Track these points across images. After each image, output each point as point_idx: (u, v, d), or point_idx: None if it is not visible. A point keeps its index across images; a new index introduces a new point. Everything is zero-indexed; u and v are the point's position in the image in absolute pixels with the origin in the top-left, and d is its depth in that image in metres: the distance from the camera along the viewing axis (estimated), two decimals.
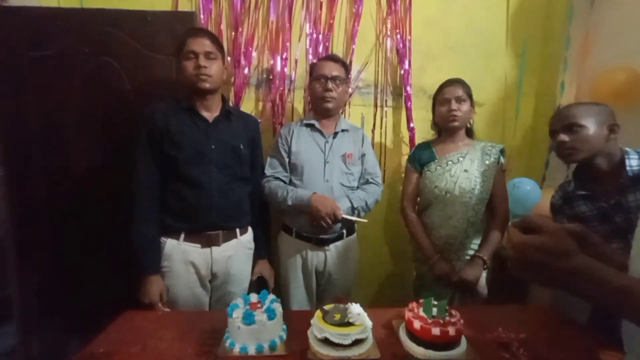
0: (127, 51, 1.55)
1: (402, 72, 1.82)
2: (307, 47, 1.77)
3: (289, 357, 0.86)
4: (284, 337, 0.93)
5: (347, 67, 1.49)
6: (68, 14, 1.55)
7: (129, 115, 1.53)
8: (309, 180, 1.41)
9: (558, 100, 1.88)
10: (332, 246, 1.43)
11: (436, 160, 1.44)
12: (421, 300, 0.95)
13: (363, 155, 1.50)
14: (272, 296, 0.99)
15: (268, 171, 1.46)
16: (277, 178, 1.45)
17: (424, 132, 1.82)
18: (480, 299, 1.38)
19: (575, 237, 0.51)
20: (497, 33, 1.89)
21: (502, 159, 1.43)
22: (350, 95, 1.81)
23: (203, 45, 1.23)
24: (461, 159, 1.41)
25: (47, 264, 1.61)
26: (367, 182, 1.49)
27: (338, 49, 1.79)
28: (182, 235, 1.26)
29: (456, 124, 1.39)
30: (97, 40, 1.54)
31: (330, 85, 1.40)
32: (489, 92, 1.91)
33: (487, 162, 1.40)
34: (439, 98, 1.43)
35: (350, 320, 0.87)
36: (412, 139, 1.86)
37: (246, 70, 1.75)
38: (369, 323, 0.90)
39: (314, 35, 1.76)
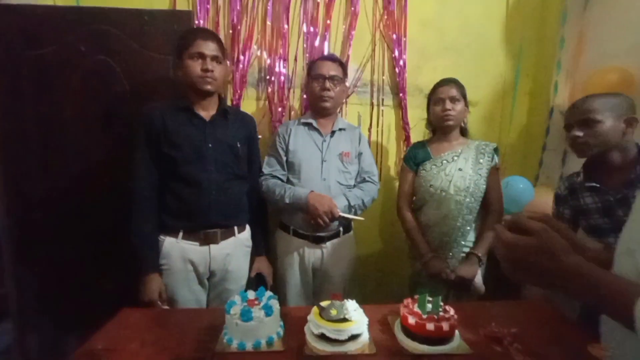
0: (124, 50, 1.55)
1: (397, 71, 1.83)
2: (305, 46, 1.78)
3: (286, 353, 0.87)
4: (281, 333, 0.94)
5: (344, 67, 1.50)
6: (64, 12, 1.55)
7: (126, 114, 1.54)
8: (306, 179, 1.42)
9: (552, 100, 1.91)
10: (328, 243, 1.44)
11: (431, 159, 1.46)
12: (416, 297, 0.97)
13: (360, 154, 1.51)
14: (269, 293, 1.00)
15: (266, 169, 1.47)
16: (275, 176, 1.46)
17: (419, 131, 1.84)
18: (477, 296, 1.39)
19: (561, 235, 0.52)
20: (492, 33, 1.91)
21: (496, 158, 1.45)
22: (349, 95, 1.82)
23: (211, 48, 1.24)
24: (456, 157, 1.43)
25: (44, 262, 1.61)
26: (363, 180, 1.50)
27: (335, 49, 1.80)
28: (181, 234, 1.27)
29: (450, 123, 1.41)
30: (93, 39, 1.54)
31: (328, 84, 1.41)
32: (484, 91, 1.93)
33: (481, 160, 1.42)
34: (434, 98, 1.45)
35: (347, 316, 0.89)
36: (407, 138, 1.88)
37: (243, 69, 1.75)
38: (364, 319, 0.91)
39: (311, 35, 1.77)
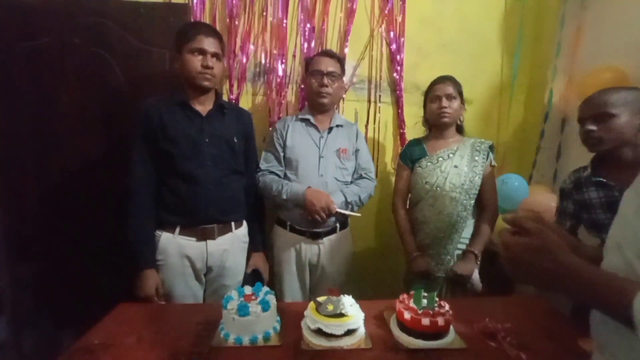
0: (119, 42, 1.53)
1: (395, 68, 1.83)
2: (302, 41, 1.77)
3: (283, 348, 0.88)
4: (278, 328, 0.95)
5: (342, 63, 1.50)
6: (59, 3, 1.52)
7: (122, 108, 1.52)
8: (303, 175, 1.42)
9: (547, 99, 1.93)
10: (325, 239, 1.45)
11: (427, 157, 1.47)
12: (412, 292, 0.98)
13: (357, 151, 1.52)
14: (266, 288, 1.01)
15: (263, 165, 1.47)
16: (272, 172, 1.46)
17: (416, 128, 1.84)
18: (475, 292, 1.41)
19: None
20: (490, 32, 1.91)
21: (491, 155, 1.46)
22: (346, 91, 1.82)
23: (213, 45, 1.23)
24: (451, 155, 1.44)
25: (40, 257, 1.60)
26: (360, 177, 1.51)
27: (332, 45, 1.79)
28: (178, 229, 1.26)
29: (446, 120, 1.42)
30: (88, 31, 1.51)
31: (326, 80, 1.41)
32: (481, 89, 1.94)
33: (476, 158, 1.43)
34: (430, 95, 1.46)
35: (343, 312, 0.90)
36: (403, 135, 1.88)
37: (239, 64, 1.74)
38: (361, 314, 0.92)
39: (309, 31, 1.76)
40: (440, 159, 1.44)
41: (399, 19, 1.80)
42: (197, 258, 1.28)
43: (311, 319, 0.90)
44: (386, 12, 1.79)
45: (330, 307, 0.90)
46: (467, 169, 1.41)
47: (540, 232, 0.51)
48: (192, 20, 1.62)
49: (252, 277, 1.42)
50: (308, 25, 1.75)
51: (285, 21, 1.73)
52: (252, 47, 1.74)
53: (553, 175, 1.95)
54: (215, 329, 0.94)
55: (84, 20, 1.51)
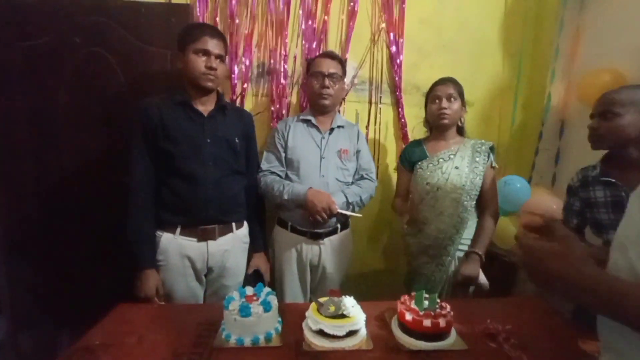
0: (120, 43, 1.52)
1: (395, 69, 1.84)
2: (303, 42, 1.77)
3: (284, 349, 0.88)
4: (279, 329, 0.94)
5: (343, 64, 1.50)
6: (59, 2, 1.51)
7: (122, 108, 1.51)
8: (305, 175, 1.42)
9: (546, 101, 1.94)
10: (326, 240, 1.45)
11: (427, 158, 1.47)
12: (413, 293, 0.98)
13: (358, 152, 1.52)
14: (267, 289, 1.00)
15: (264, 165, 1.47)
16: (273, 172, 1.46)
17: (417, 129, 1.85)
18: (483, 292, 1.41)
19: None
20: (490, 32, 1.92)
21: (492, 156, 1.46)
22: (347, 92, 1.82)
23: (217, 46, 1.24)
24: (452, 156, 1.44)
25: (39, 257, 1.59)
26: (361, 177, 1.51)
27: (334, 46, 1.79)
28: (178, 229, 1.26)
29: (446, 121, 1.42)
30: (89, 31, 1.51)
31: (327, 82, 1.41)
32: (481, 91, 1.94)
33: (477, 159, 1.44)
34: (431, 96, 1.46)
35: (345, 313, 0.90)
36: (405, 136, 1.88)
37: (241, 65, 1.74)
38: (362, 315, 0.92)
39: (310, 31, 1.76)
40: (441, 160, 1.44)
41: (400, 20, 1.81)
42: (197, 258, 1.28)
43: (313, 319, 0.90)
44: (386, 12, 1.79)
45: (331, 308, 0.90)
46: (468, 170, 1.42)
47: (567, 238, 0.50)
48: (193, 20, 1.62)
49: (253, 278, 1.42)
50: (309, 26, 1.75)
51: (287, 22, 1.73)
52: (254, 48, 1.74)
53: (552, 179, 1.96)
54: (217, 330, 0.93)
55: (84, 20, 1.50)
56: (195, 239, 1.27)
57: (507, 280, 1.94)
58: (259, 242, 1.46)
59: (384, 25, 1.81)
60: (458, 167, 1.42)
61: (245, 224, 1.42)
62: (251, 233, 1.44)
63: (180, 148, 1.23)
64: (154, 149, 1.24)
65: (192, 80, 1.24)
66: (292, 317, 0.98)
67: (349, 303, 0.93)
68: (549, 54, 1.91)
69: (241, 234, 1.39)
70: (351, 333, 0.88)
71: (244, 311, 0.89)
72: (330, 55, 1.47)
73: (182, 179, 1.25)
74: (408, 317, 0.91)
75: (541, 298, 1.19)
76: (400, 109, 1.87)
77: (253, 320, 0.89)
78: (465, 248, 1.43)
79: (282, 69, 1.76)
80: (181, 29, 1.28)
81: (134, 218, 1.23)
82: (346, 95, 1.82)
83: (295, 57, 1.77)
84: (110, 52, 1.53)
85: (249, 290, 1.00)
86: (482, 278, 1.40)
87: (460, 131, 1.52)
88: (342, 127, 1.52)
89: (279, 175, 1.46)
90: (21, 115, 1.53)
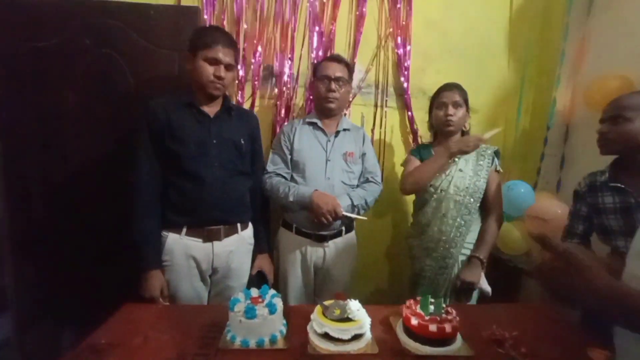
0: (129, 44, 1.54)
1: (404, 73, 1.84)
2: (311, 46, 1.78)
3: (289, 351, 0.88)
4: (284, 331, 0.94)
5: (350, 68, 1.50)
6: (70, 4, 1.53)
7: (131, 109, 1.53)
8: (310, 178, 1.43)
9: (552, 106, 1.93)
10: (331, 242, 1.45)
11: None
12: (418, 298, 0.98)
13: (363, 154, 1.52)
14: (272, 291, 1.00)
15: (270, 167, 1.47)
16: (279, 174, 1.46)
17: (422, 132, 1.85)
18: (485, 298, 1.40)
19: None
20: (496, 38, 1.92)
21: (496, 160, 1.46)
22: (354, 96, 1.82)
23: (229, 56, 1.24)
24: (456, 159, 1.44)
25: (45, 255, 1.60)
26: (367, 180, 1.51)
27: (341, 49, 1.80)
28: (184, 230, 1.26)
29: (452, 128, 1.43)
30: (98, 33, 1.53)
31: (333, 86, 1.41)
32: (486, 95, 1.94)
33: (481, 162, 1.44)
34: (436, 101, 1.46)
35: (350, 316, 0.90)
36: (414, 139, 1.89)
37: (249, 67, 1.75)
38: (367, 319, 0.92)
39: (317, 35, 1.77)
40: None
41: (407, 24, 1.81)
42: (203, 259, 1.28)
43: (318, 322, 0.90)
44: (393, 17, 1.80)
45: (337, 312, 0.90)
46: (472, 173, 1.42)
47: (570, 254, 0.50)
48: (201, 23, 1.64)
49: (257, 279, 1.42)
50: (317, 29, 1.76)
51: (294, 25, 1.74)
52: (260, 50, 1.75)
53: (557, 184, 1.95)
54: (222, 331, 0.93)
55: (94, 22, 1.52)
56: (200, 240, 1.27)
57: (511, 285, 1.93)
58: (264, 244, 1.47)
59: (390, 29, 1.82)
60: (462, 169, 1.43)
61: (250, 225, 1.42)
62: (256, 234, 1.44)
63: (186, 149, 1.24)
64: (160, 150, 1.24)
65: (199, 86, 1.25)
66: (297, 319, 0.98)
67: (355, 306, 0.92)
68: (554, 59, 1.91)
69: (246, 235, 1.39)
70: (356, 337, 0.88)
71: (250, 313, 0.89)
72: (337, 59, 1.47)
73: (188, 179, 1.25)
74: (414, 321, 0.90)
75: (547, 304, 1.18)
76: (409, 112, 1.88)
77: (258, 322, 0.89)
78: (469, 252, 1.42)
79: (288, 72, 1.77)
80: (194, 31, 1.28)
81: (138, 218, 1.23)
82: (353, 98, 1.82)
83: (300, 59, 1.78)
84: (119, 54, 1.54)
85: (255, 292, 0.99)
86: (484, 284, 1.39)
87: (464, 136, 1.52)
88: (348, 130, 1.52)
89: (284, 177, 1.46)
90: (30, 115, 1.55)
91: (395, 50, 1.83)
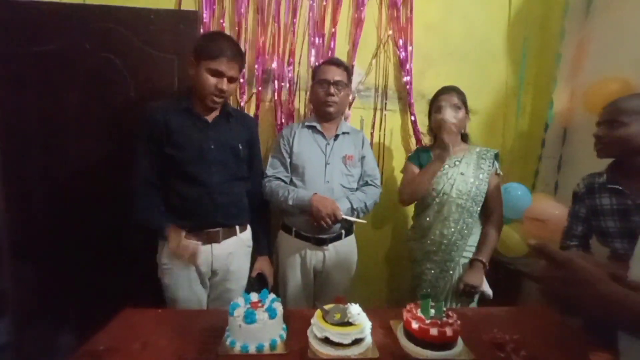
0: (129, 48, 1.55)
1: (406, 77, 1.84)
2: (310, 49, 1.79)
3: (289, 356, 0.87)
4: (284, 336, 0.94)
5: (349, 72, 1.51)
6: (70, 9, 1.54)
7: (130, 113, 1.54)
8: (309, 181, 1.42)
9: (550, 109, 1.94)
10: (330, 246, 1.45)
11: None
12: (419, 301, 0.98)
13: (363, 158, 1.52)
14: (272, 295, 1.00)
15: (269, 171, 1.47)
16: (278, 178, 1.46)
17: (424, 135, 1.85)
18: (486, 301, 1.40)
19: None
20: (495, 41, 1.93)
21: (496, 164, 1.46)
22: (353, 101, 1.83)
23: (233, 69, 1.22)
24: (457, 162, 1.44)
25: (44, 260, 1.60)
26: (366, 184, 1.51)
27: (340, 53, 1.81)
28: (183, 234, 1.26)
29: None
30: (99, 37, 1.53)
31: (332, 90, 1.41)
32: (486, 98, 1.94)
33: (482, 166, 1.44)
34: (435, 105, 1.46)
35: (350, 320, 0.89)
36: (418, 141, 1.89)
37: (249, 71, 1.75)
38: (368, 323, 0.91)
39: (317, 39, 1.78)
40: (447, 166, 1.44)
41: (407, 27, 1.82)
42: (202, 262, 1.28)
43: (318, 327, 0.89)
44: (393, 20, 1.81)
45: (337, 316, 0.90)
46: (474, 176, 1.42)
47: (569, 262, 0.49)
48: (201, 27, 1.64)
49: (257, 281, 1.42)
50: (317, 33, 1.77)
51: (294, 29, 1.75)
52: (259, 53, 1.75)
53: (554, 186, 1.95)
54: (221, 336, 0.93)
55: (94, 26, 1.53)
56: (200, 243, 1.27)
57: (512, 288, 1.92)
58: (263, 246, 1.47)
59: (390, 32, 1.82)
60: (464, 173, 1.42)
61: (249, 227, 1.42)
62: (255, 237, 1.44)
63: (184, 153, 1.24)
64: (158, 153, 1.24)
65: (200, 95, 1.24)
66: (297, 324, 0.98)
67: (355, 310, 0.92)
68: (553, 62, 1.92)
69: (245, 237, 1.39)
70: (357, 341, 0.88)
71: (249, 318, 0.89)
72: (336, 63, 1.47)
73: (186, 184, 1.25)
74: (414, 325, 0.90)
75: (548, 308, 1.18)
76: (412, 116, 1.88)
77: (258, 327, 0.89)
78: (470, 255, 1.42)
79: (288, 76, 1.77)
80: (201, 37, 1.26)
81: (139, 212, 1.23)
82: (353, 101, 1.83)
83: (299, 64, 1.78)
84: (119, 58, 1.55)
85: (254, 297, 0.99)
86: (486, 287, 1.39)
87: (465, 138, 1.53)
88: (347, 133, 1.52)
89: (283, 181, 1.46)
90: (30, 119, 1.55)
91: (398, 53, 1.84)
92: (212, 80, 1.20)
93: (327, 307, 0.94)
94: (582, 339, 0.97)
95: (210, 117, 1.30)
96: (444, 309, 0.95)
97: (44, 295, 1.61)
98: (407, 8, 1.82)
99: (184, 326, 0.99)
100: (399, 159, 1.92)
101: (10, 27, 1.50)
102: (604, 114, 1.08)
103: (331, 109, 1.45)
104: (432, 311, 0.94)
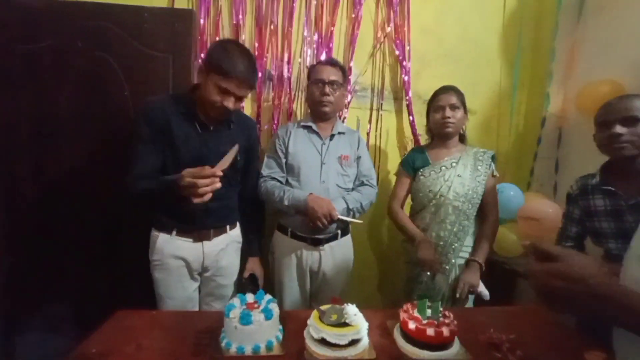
0: (122, 47, 1.52)
1: (404, 77, 1.85)
2: (307, 49, 1.78)
3: (286, 357, 0.87)
4: (280, 337, 0.93)
5: (345, 72, 1.50)
6: (62, 6, 1.51)
7: (124, 112, 1.51)
8: (305, 181, 1.42)
9: (544, 110, 1.96)
10: (326, 246, 1.44)
11: (430, 165, 1.47)
12: (415, 302, 0.97)
13: (359, 158, 1.52)
14: (268, 296, 0.99)
15: (265, 171, 1.46)
16: (274, 178, 1.45)
17: (421, 135, 1.86)
18: (483, 301, 1.40)
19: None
20: (490, 42, 1.95)
21: (493, 165, 1.47)
22: (349, 101, 1.83)
23: (244, 90, 1.16)
24: (454, 164, 1.44)
25: (35, 261, 1.57)
26: (362, 184, 1.50)
27: (337, 53, 1.81)
28: (174, 231, 1.26)
29: (450, 130, 1.43)
30: (91, 35, 1.50)
31: (327, 89, 1.41)
32: (481, 99, 1.96)
33: (479, 167, 1.44)
34: (433, 105, 1.47)
35: (347, 321, 0.89)
36: (416, 142, 1.89)
37: None
38: (365, 324, 0.91)
39: (314, 39, 1.77)
40: (444, 167, 1.44)
41: (403, 28, 1.82)
42: (193, 259, 1.28)
43: (315, 328, 0.89)
44: (390, 21, 1.81)
45: (334, 317, 0.89)
46: (471, 178, 1.42)
47: (566, 255, 0.49)
48: (196, 26, 1.62)
49: (249, 282, 1.41)
50: (314, 33, 1.77)
51: (290, 28, 1.74)
52: (257, 53, 1.74)
53: (553, 188, 1.97)
54: (216, 338, 0.92)
55: (87, 24, 1.50)
56: (191, 240, 1.27)
57: (508, 288, 1.93)
58: (255, 247, 1.46)
59: (388, 29, 1.82)
60: (461, 175, 1.43)
61: (238, 224, 1.42)
62: (247, 238, 1.43)
63: (181, 158, 1.20)
64: (155, 151, 1.20)
65: (203, 105, 1.20)
66: (293, 325, 0.97)
67: (351, 311, 0.91)
68: (547, 64, 1.94)
69: (234, 234, 1.39)
70: (353, 342, 0.87)
71: (245, 319, 0.88)
72: (331, 63, 1.47)
73: None
74: (411, 325, 0.90)
75: (543, 307, 1.19)
76: (410, 116, 1.88)
77: (254, 328, 0.88)
78: (466, 256, 1.43)
79: (285, 76, 1.77)
80: (215, 46, 1.17)
81: (135, 182, 1.15)
82: (349, 101, 1.83)
83: (299, 64, 1.78)
84: (113, 57, 1.52)
85: (250, 298, 0.98)
86: (482, 288, 1.40)
87: (462, 139, 1.53)
88: (343, 133, 1.52)
89: (279, 181, 1.45)
90: (22, 118, 1.52)
91: (394, 52, 1.84)
92: (218, 97, 1.14)
93: (323, 307, 0.94)
94: (577, 337, 0.97)
95: (211, 124, 1.26)
96: (441, 309, 0.95)
97: (36, 298, 1.57)
98: (403, 8, 1.82)
99: (179, 328, 0.98)
100: (394, 159, 1.93)
101: (3, 24, 1.47)
102: (616, 112, 1.05)
103: (326, 109, 1.44)
104: (429, 311, 0.95)
